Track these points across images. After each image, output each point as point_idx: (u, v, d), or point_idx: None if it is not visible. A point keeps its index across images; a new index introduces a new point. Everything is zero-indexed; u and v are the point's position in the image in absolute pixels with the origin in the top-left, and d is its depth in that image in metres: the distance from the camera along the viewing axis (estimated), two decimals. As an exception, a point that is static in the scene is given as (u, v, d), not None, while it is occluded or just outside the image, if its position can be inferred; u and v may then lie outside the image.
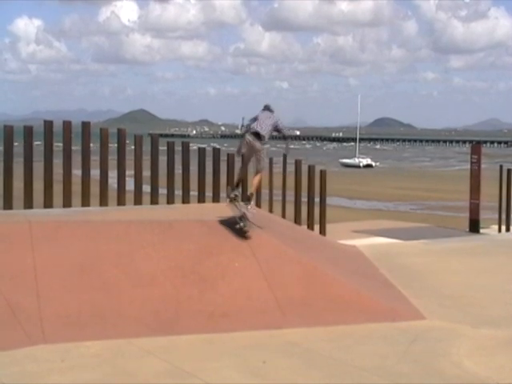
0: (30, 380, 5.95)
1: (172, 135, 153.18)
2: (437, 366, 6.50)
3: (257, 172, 9.37)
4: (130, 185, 11.92)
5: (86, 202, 11.44)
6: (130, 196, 11.88)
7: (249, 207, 9.22)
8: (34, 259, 7.94)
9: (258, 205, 13.28)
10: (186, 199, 12.42)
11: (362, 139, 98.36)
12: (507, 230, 16.89)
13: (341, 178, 43.62)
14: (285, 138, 9.89)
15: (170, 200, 12.22)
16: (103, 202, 11.65)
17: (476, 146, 18.44)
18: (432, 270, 10.91)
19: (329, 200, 15.64)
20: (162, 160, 12.10)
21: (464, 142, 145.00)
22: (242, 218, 8.99)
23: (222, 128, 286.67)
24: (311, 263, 9.07)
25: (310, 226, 13.99)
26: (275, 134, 9.64)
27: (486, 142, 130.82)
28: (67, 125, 11.55)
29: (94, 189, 11.62)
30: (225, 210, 9.63)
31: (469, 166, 17.41)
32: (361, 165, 70.18)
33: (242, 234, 8.92)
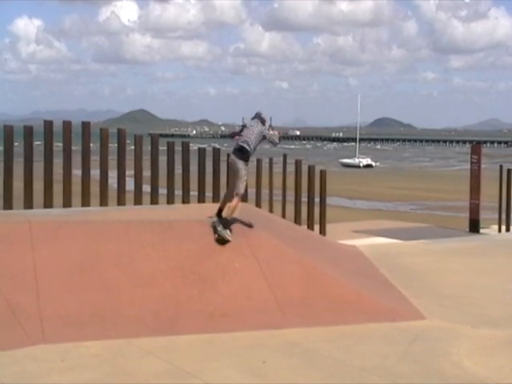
0: (30, 380, 5.96)
1: (172, 135, 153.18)
2: (437, 365, 6.50)
3: (235, 194, 8.85)
4: (130, 185, 11.92)
5: (86, 202, 11.44)
6: (130, 196, 11.89)
7: (228, 232, 8.76)
8: (34, 259, 7.94)
9: (258, 205, 13.29)
10: (185, 199, 12.43)
11: (362, 139, 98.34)
12: (507, 230, 16.90)
13: (341, 178, 43.63)
14: (273, 144, 9.37)
15: (170, 200, 12.22)
16: (103, 201, 11.66)
17: (476, 146, 18.45)
18: (432, 270, 10.91)
19: (329, 200, 15.64)
20: (162, 160, 12.10)
21: (464, 142, 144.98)
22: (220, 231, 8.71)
23: (222, 128, 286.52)
24: (311, 263, 9.07)
25: (310, 226, 13.99)
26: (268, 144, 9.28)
27: (486, 142, 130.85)
28: (67, 125, 11.56)
29: (94, 189, 11.62)
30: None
31: (469, 166, 17.42)
32: (361, 165, 70.16)
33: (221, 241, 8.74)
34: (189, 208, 11.60)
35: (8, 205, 10.94)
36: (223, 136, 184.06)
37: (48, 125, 11.40)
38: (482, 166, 16.87)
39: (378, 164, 72.85)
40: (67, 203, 11.28)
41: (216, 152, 13.01)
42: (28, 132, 11.23)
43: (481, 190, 16.57)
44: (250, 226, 9.18)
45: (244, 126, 9.21)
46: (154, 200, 12.05)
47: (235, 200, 8.81)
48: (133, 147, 12.09)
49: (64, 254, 8.14)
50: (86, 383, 5.95)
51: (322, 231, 14.23)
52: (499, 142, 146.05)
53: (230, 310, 7.89)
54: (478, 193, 16.56)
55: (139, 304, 7.74)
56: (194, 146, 13.76)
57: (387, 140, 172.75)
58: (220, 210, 8.93)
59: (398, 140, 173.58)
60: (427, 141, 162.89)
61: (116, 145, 12.01)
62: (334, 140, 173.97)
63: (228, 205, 8.89)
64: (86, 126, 11.64)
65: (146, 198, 12.04)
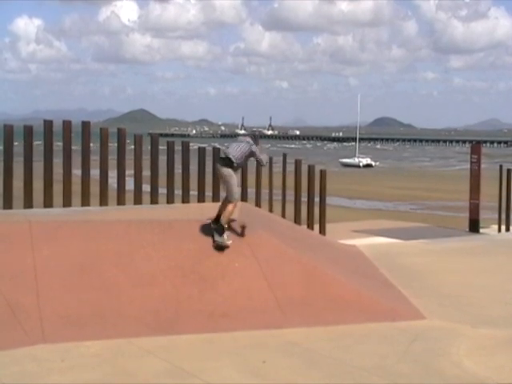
0: (29, 380, 5.96)
1: (172, 135, 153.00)
2: (436, 365, 6.50)
3: (228, 201, 8.84)
4: (129, 184, 11.92)
5: (85, 202, 11.44)
6: (129, 196, 11.88)
7: (225, 236, 8.76)
8: (34, 259, 7.94)
9: (258, 204, 13.29)
10: (185, 199, 12.42)
11: (362, 139, 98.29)
12: (507, 229, 16.90)
13: (341, 178, 43.61)
14: (260, 164, 9.36)
15: (170, 200, 12.21)
16: (103, 201, 11.65)
17: (476, 146, 18.44)
18: (432, 270, 10.91)
19: (329, 200, 15.64)
20: (162, 160, 12.10)
21: (464, 141, 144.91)
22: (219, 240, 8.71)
23: (222, 128, 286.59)
24: (311, 263, 9.07)
25: (310, 226, 13.99)
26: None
27: (485, 141, 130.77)
28: (67, 124, 11.55)
29: (94, 188, 11.62)
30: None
31: (469, 166, 17.42)
32: (361, 164, 70.14)
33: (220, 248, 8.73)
34: (189, 208, 11.59)
35: (8, 204, 10.94)
36: (223, 136, 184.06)
37: (48, 124, 11.40)
38: (482, 165, 16.87)
39: (377, 164, 72.84)
40: (67, 203, 11.28)
41: (216, 152, 12.98)
42: (28, 131, 11.23)
43: (481, 190, 16.58)
44: (243, 227, 9.14)
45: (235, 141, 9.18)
46: (154, 200, 12.05)
47: (230, 205, 8.80)
48: (133, 147, 12.09)
49: (64, 253, 8.14)
50: (85, 383, 5.95)
51: (322, 231, 14.23)
52: (499, 142, 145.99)
53: (230, 310, 7.89)
54: (478, 193, 16.56)
55: (139, 304, 7.74)
56: (193, 146, 13.75)
57: (387, 140, 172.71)
58: (218, 217, 8.91)
59: (398, 140, 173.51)
60: (427, 140, 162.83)
61: (116, 144, 12.01)
62: (333, 140, 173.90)
63: (224, 213, 8.83)
64: (85, 125, 11.64)
65: (146, 197, 12.04)
